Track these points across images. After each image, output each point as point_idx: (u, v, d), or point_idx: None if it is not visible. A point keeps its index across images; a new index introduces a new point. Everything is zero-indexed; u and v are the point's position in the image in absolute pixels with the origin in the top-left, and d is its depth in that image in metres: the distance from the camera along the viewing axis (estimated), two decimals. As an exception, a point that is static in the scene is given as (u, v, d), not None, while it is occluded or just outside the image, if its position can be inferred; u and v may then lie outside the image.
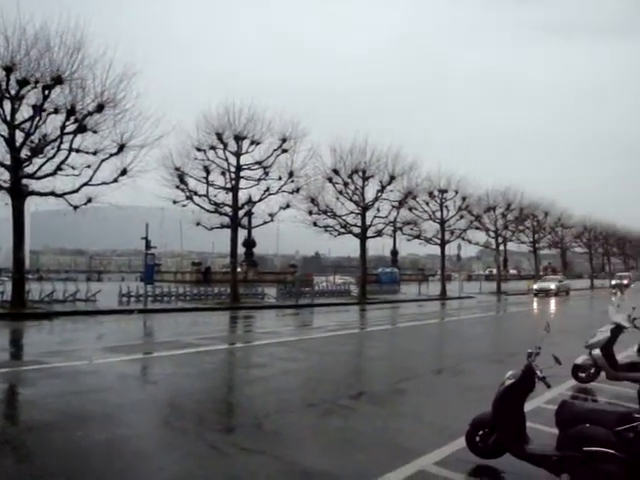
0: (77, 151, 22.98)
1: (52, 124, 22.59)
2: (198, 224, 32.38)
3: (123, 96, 22.74)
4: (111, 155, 23.64)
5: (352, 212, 37.98)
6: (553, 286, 50.09)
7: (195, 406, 8.64)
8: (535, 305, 38.30)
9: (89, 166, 23.41)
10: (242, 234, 44.42)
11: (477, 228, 51.90)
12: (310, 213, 36.55)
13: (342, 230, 38.38)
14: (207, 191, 30.98)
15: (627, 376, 9.20)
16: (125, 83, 22.70)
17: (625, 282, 63.71)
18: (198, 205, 31.11)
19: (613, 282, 66.33)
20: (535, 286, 51.41)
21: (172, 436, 7.18)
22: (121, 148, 23.59)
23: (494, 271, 67.27)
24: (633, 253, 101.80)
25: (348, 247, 50.69)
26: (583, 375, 10.16)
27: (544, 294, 48.03)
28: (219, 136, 30.35)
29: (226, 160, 31.12)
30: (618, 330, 9.62)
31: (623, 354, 10.61)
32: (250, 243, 53.14)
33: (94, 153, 23.33)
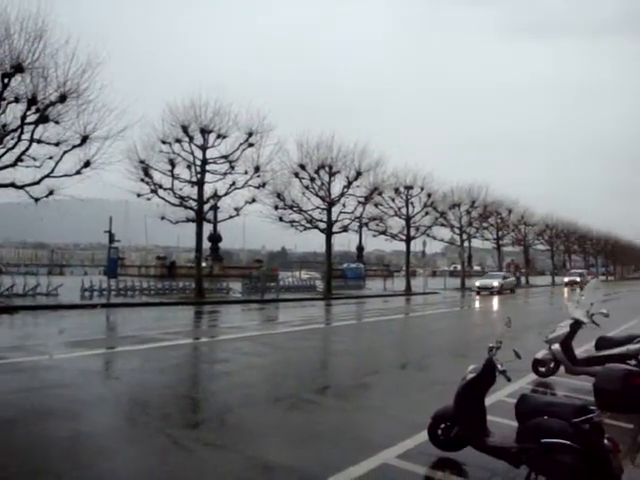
0: (38, 142, 22.43)
1: (12, 114, 22.01)
2: (163, 218, 31.97)
3: (87, 87, 22.22)
4: (74, 147, 23.15)
5: (318, 207, 37.98)
6: (496, 283, 46.86)
7: (158, 401, 8.58)
8: (493, 302, 38.85)
9: (51, 157, 22.87)
10: (208, 228, 44.20)
11: (442, 225, 52.40)
12: (276, 208, 36.44)
13: (308, 225, 38.36)
14: (172, 184, 30.60)
15: (585, 370, 9.41)
16: (89, 73, 22.18)
17: (578, 279, 63.86)
18: (163, 199, 30.72)
19: (566, 279, 67.05)
20: (477, 283, 48.54)
21: (135, 432, 7.12)
22: (84, 140, 23.12)
23: (458, 267, 67.97)
24: (593, 251, 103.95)
25: (314, 242, 50.69)
26: (543, 369, 10.36)
27: (487, 292, 45.46)
28: (185, 129, 30.03)
29: (192, 153, 30.82)
30: (577, 325, 9.83)
31: (582, 349, 10.85)
32: (216, 237, 52.77)
33: (56, 144, 22.82)
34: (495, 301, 38.44)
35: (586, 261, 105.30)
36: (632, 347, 9.42)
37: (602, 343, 9.94)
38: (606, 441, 4.80)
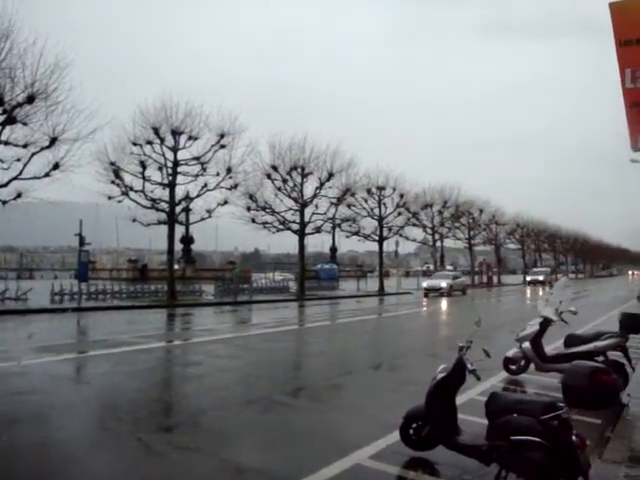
0: (6, 143, 22.04)
1: (-22, 115, 21.66)
2: (134, 220, 31.67)
3: (55, 87, 21.91)
4: (42, 148, 22.80)
5: (291, 209, 37.98)
6: (444, 284, 42.26)
7: (130, 406, 8.49)
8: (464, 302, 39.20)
9: (19, 159, 22.46)
10: (180, 230, 43.85)
11: (414, 225, 52.80)
12: (248, 209, 36.36)
13: (280, 227, 38.34)
14: (143, 187, 30.34)
15: (554, 367, 9.53)
16: (57, 74, 21.86)
17: (540, 278, 64.68)
18: (134, 201, 30.46)
19: (529, 278, 67.58)
20: (424, 284, 44.57)
21: (105, 437, 7.02)
22: (53, 141, 22.79)
23: (431, 267, 68.50)
24: (563, 249, 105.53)
25: (288, 244, 50.72)
26: (514, 367, 10.49)
27: (437, 293, 41.40)
28: (156, 131, 29.80)
29: (163, 155, 30.60)
30: (546, 323, 9.96)
31: (552, 346, 11.00)
32: (188, 239, 52.47)
33: (24, 146, 22.44)
34: (462, 301, 38.77)
35: (556, 259, 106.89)
36: (600, 344, 9.56)
37: (571, 340, 10.07)
38: (574, 437, 4.86)
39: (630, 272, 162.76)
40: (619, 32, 9.54)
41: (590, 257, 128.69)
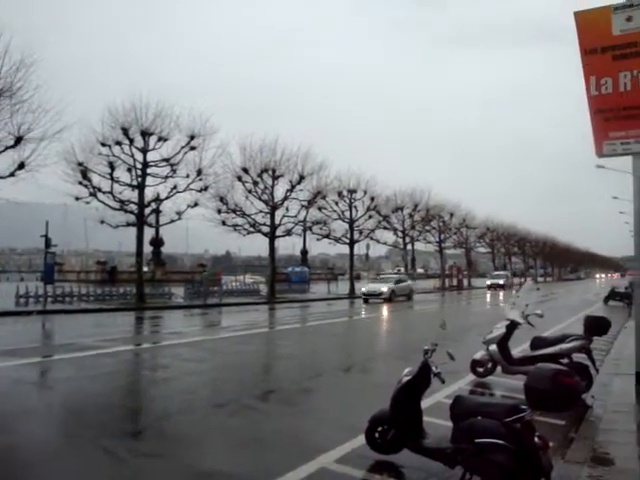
0: (-31, 142, 21.70)
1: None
2: (102, 222, 31.34)
3: (21, 86, 21.64)
4: (7, 148, 22.45)
5: (261, 211, 37.95)
6: (385, 289, 38.26)
7: (93, 411, 8.33)
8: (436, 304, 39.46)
9: (-18, 159, 22.15)
10: (150, 232, 43.51)
11: (385, 228, 53.11)
12: (219, 212, 36.23)
13: (251, 229, 38.26)
14: (112, 188, 30.06)
15: (520, 370, 9.62)
16: (23, 72, 21.60)
17: (501, 282, 62.75)
18: (102, 202, 30.16)
19: (488, 282, 64.73)
20: (363, 288, 40.62)
21: (66, 443, 6.87)
22: (18, 140, 22.44)
23: (402, 270, 68.88)
24: (532, 253, 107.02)
25: (259, 246, 50.58)
26: (481, 370, 10.56)
27: (380, 299, 37.75)
28: (125, 131, 29.55)
29: (132, 156, 30.35)
30: (513, 326, 10.06)
31: (519, 349, 11.11)
32: (158, 242, 52.06)
33: (-12, 145, 22.10)
34: (430, 303, 39.05)
35: (526, 263, 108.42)
36: (565, 346, 9.69)
37: (537, 343, 10.19)
38: (536, 439, 4.91)
39: (598, 275, 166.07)
40: (584, 41, 9.71)
41: (559, 260, 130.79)
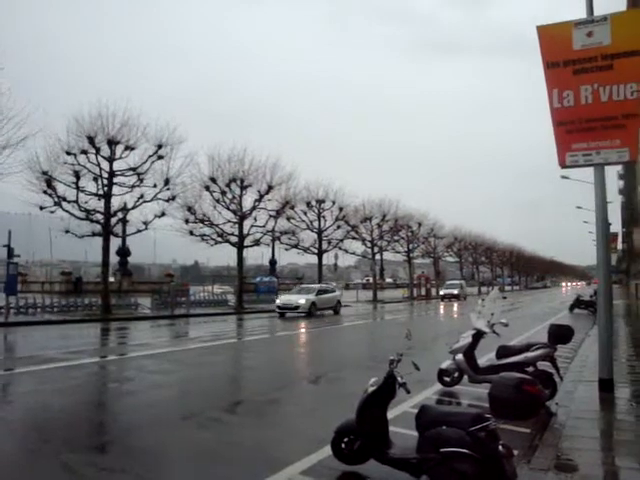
0: None
1: None
2: (67, 232, 30.80)
3: (-19, 93, 21.25)
4: (-32, 156, 22.02)
5: (229, 221, 37.74)
6: (302, 301, 33.21)
7: (55, 425, 8.15)
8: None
9: (-58, 167, 21.65)
10: (117, 242, 42.92)
11: (354, 238, 53.20)
12: (187, 222, 35.94)
13: (219, 239, 38.01)
14: (77, 197, 29.57)
15: (486, 378, 9.69)
16: (-16, 79, 21.22)
17: (455, 292, 59.10)
18: (67, 212, 29.66)
19: (442, 292, 60.99)
20: (278, 301, 34.53)
21: (24, 458, 6.68)
22: (-20, 149, 22.03)
23: (371, 280, 69.14)
24: (499, 262, 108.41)
25: (228, 256, 50.19)
26: (448, 379, 10.62)
27: (294, 313, 32.98)
28: (91, 140, 29.14)
29: (98, 165, 29.92)
30: (478, 335, 10.15)
31: (485, 358, 11.20)
32: (124, 252, 51.34)
33: (-52, 152, 21.62)
34: (400, 313, 39.22)
35: (493, 272, 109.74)
36: (530, 355, 9.81)
37: (502, 352, 10.30)
38: (501, 447, 4.95)
39: (564, 284, 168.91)
40: (546, 54, 9.92)
41: (525, 269, 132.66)
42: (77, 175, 29.32)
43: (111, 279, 38.47)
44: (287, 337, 22.03)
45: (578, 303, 34.45)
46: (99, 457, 6.79)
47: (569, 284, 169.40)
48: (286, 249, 47.37)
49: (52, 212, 29.90)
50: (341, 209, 47.40)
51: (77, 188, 29.49)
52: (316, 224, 46.72)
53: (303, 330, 24.92)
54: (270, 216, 39.57)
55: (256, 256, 73.60)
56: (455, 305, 49.50)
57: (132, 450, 7.02)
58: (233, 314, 34.67)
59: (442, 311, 42.58)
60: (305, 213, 45.80)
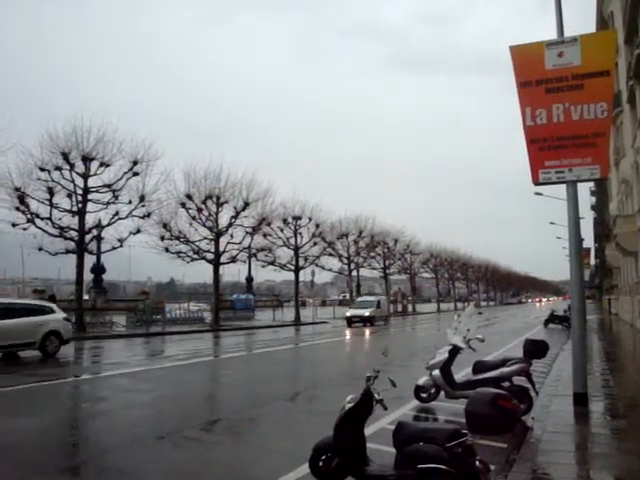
0: None
1: None
2: (40, 249, 30.44)
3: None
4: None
5: (205, 238, 37.64)
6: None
7: (25, 447, 7.95)
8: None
9: None
10: (91, 260, 42.47)
11: (330, 254, 53.32)
12: (162, 239, 35.73)
13: (195, 256, 37.85)
14: (51, 214, 29.28)
15: (462, 394, 9.71)
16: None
17: (366, 313, 42.47)
18: (40, 229, 29.33)
19: (348, 314, 43.16)
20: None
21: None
22: (-50, 165, 21.72)
23: (348, 296, 69.11)
24: (475, 278, 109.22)
25: (204, 273, 49.88)
26: (425, 395, 10.62)
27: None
28: (65, 156, 28.92)
29: (72, 182, 29.72)
30: (455, 351, 10.19)
31: (462, 373, 11.24)
32: (99, 269, 50.79)
33: None
34: (366, 332, 39.17)
35: (469, 288, 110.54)
36: (505, 370, 9.87)
37: (478, 367, 10.35)
38: (477, 462, 4.96)
39: (538, 299, 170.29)
40: (519, 74, 10.13)
41: (500, 285, 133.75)
42: (51, 192, 29.06)
43: (85, 297, 37.98)
44: (263, 354, 21.90)
45: (552, 318, 34.81)
46: (71, 479, 6.65)
47: (544, 299, 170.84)
48: (263, 266, 47.26)
49: (25, 229, 29.58)
50: (317, 226, 47.47)
51: (51, 205, 29.22)
52: (292, 241, 46.69)
53: (280, 347, 24.80)
54: (247, 233, 39.56)
55: (233, 273, 73.42)
56: (434, 321, 49.38)
57: (106, 471, 6.90)
58: (210, 331, 34.42)
59: (420, 327, 42.47)
60: (281, 230, 45.77)
